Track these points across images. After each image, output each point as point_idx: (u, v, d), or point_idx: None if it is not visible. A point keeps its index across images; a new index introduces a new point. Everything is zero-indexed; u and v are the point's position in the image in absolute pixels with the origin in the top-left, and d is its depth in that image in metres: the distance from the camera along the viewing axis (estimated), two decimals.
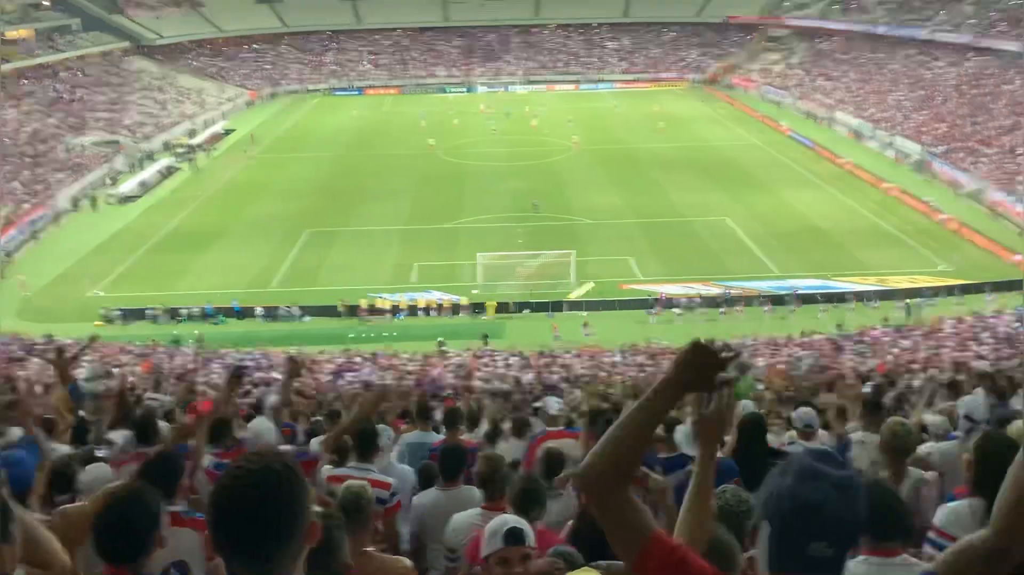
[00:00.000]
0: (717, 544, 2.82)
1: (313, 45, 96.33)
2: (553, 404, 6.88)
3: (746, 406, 6.30)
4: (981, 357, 19.60)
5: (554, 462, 4.73)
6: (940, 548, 3.39)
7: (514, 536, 2.93)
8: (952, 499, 4.29)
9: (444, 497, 4.76)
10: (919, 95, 62.87)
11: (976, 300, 33.36)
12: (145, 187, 53.59)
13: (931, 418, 7.34)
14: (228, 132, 70.47)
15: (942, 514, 3.43)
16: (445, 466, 4.83)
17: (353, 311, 34.80)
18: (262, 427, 4.79)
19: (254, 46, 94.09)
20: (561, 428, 6.68)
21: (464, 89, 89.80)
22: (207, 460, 5.01)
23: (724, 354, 2.13)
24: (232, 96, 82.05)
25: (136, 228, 45.46)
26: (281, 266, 39.49)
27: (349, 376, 24.32)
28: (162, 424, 6.13)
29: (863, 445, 5.20)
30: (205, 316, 34.60)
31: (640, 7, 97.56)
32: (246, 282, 37.59)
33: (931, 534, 3.40)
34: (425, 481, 5.42)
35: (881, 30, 74.78)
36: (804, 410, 5.84)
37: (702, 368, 2.12)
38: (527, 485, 4.01)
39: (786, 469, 1.84)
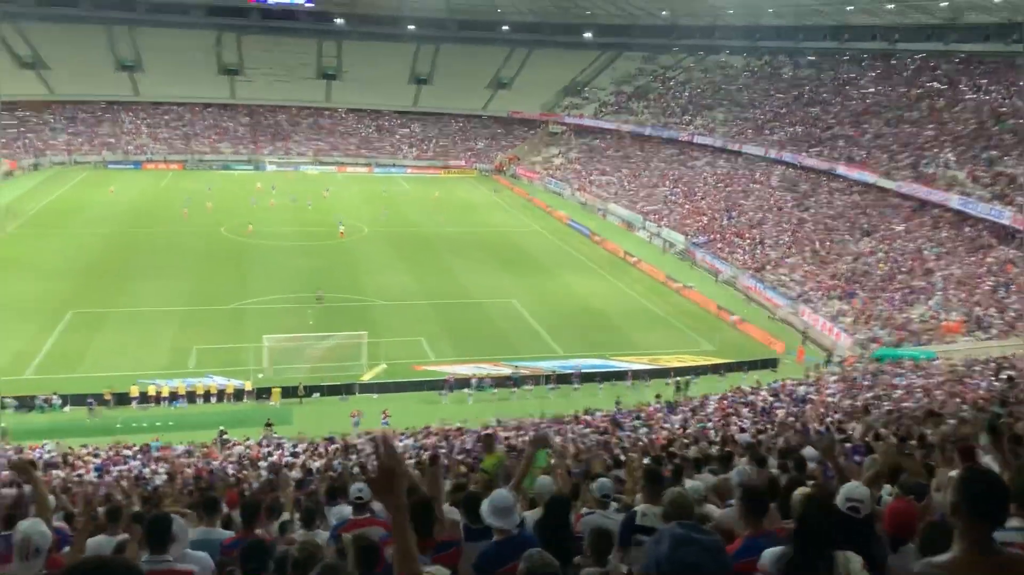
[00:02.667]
0: None
1: (85, 115, 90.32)
2: (366, 490, 6.68)
3: (545, 482, 6.49)
4: (743, 430, 21.42)
5: (369, 552, 4.58)
6: None
7: None
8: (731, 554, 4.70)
9: None
10: (681, 190, 69.18)
11: (735, 377, 36.55)
12: None
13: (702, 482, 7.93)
14: None
15: (768, 559, 3.75)
16: (247, 563, 4.53)
17: (122, 399, 32.07)
18: (33, 529, 4.25)
19: (16, 113, 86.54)
20: (368, 515, 6.51)
21: (252, 167, 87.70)
22: None
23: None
24: None
25: None
26: (40, 350, 35.75)
27: (116, 470, 22.29)
28: None
29: (646, 516, 5.52)
30: None
31: (429, 98, 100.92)
32: None
33: None
34: None
35: (648, 131, 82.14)
36: (602, 481, 6.11)
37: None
38: (329, 571, 3.84)
39: (660, 539, 2.04)
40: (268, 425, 29.63)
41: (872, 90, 67.80)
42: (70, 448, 25.45)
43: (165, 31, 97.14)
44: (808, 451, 10.34)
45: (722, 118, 76.91)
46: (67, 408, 31.50)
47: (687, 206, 65.38)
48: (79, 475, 20.87)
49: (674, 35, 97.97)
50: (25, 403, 31.32)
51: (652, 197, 70.19)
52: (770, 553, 3.81)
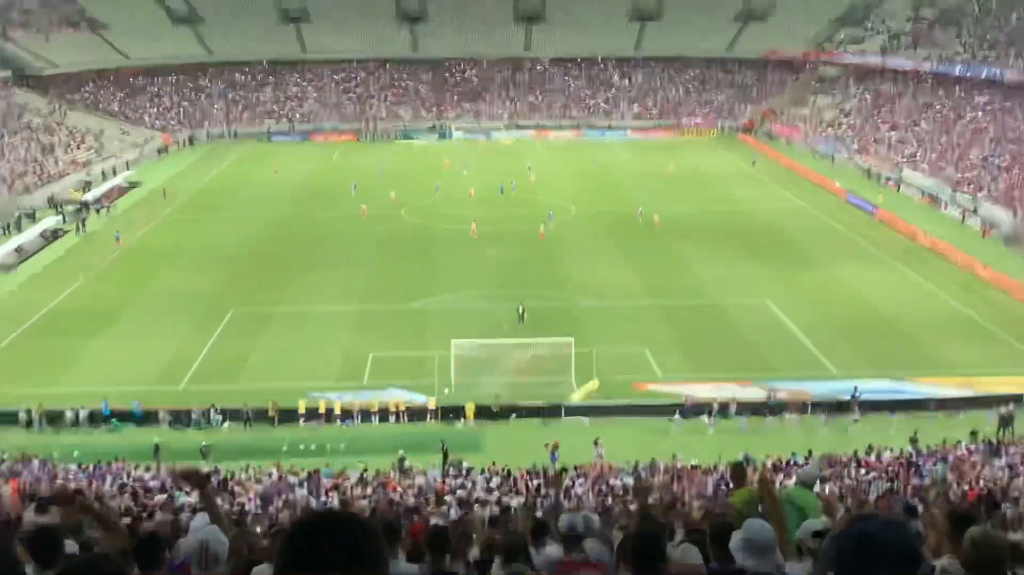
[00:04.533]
0: None
1: (244, 78, 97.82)
2: (578, 522, 6.82)
3: (812, 525, 6.34)
4: None
5: None
6: None
7: None
8: None
9: None
10: (1008, 152, 64.48)
11: None
12: (22, 253, 53.52)
13: None
14: (132, 186, 70.86)
15: None
16: None
17: (288, 416, 34.48)
18: (211, 534, 4.75)
19: (170, 78, 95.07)
20: (582, 556, 6.63)
21: (436, 135, 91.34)
22: None
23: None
24: (139, 141, 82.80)
25: (9, 306, 45.22)
26: (197, 357, 39.21)
27: (281, 500, 23.97)
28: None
29: (946, 572, 5.31)
30: (95, 421, 34.11)
31: (655, 39, 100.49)
32: (151, 377, 37.24)
33: None
34: None
35: (958, 71, 77.11)
36: None
37: None
38: None
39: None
40: (443, 450, 30.63)
41: None
42: (230, 474, 27.67)
43: None
44: None
45: None
46: (226, 425, 34.35)
47: (1016, 172, 60.94)
48: (240, 505, 22.59)
49: None
50: (181, 419, 34.40)
51: (966, 161, 66.09)
52: None
